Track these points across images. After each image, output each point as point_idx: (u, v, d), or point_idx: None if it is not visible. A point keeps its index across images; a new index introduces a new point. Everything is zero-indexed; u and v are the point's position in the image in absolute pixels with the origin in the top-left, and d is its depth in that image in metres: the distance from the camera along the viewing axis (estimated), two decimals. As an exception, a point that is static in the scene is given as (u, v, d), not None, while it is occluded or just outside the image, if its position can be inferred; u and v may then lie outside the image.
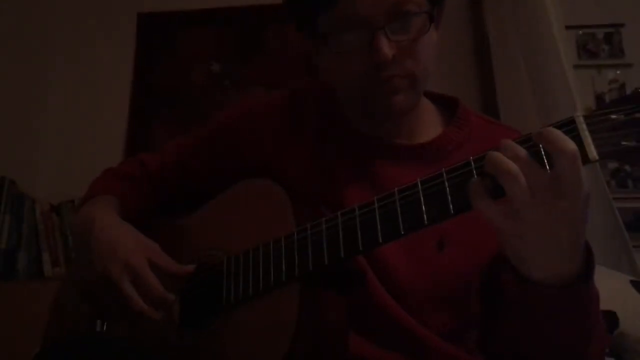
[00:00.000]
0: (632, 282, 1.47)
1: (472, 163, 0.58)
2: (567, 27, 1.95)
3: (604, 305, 0.69)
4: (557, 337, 0.64)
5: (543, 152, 0.53)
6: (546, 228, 0.54)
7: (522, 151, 0.54)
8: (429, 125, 0.86)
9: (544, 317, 0.63)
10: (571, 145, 0.51)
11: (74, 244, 1.65)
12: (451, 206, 0.59)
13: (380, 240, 0.65)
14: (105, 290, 0.80)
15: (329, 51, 0.76)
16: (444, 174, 0.60)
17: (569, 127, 0.53)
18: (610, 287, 1.42)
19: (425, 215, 0.61)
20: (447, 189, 0.60)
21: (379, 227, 0.65)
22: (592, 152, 0.52)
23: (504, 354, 0.74)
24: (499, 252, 0.74)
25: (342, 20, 0.72)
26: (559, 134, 0.52)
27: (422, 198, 0.62)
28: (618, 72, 2.20)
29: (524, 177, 0.53)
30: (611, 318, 1.33)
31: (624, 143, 0.51)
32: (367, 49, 0.72)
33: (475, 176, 0.57)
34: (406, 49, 0.73)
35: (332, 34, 0.74)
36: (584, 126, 0.52)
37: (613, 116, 0.52)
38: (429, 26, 0.74)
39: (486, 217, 0.56)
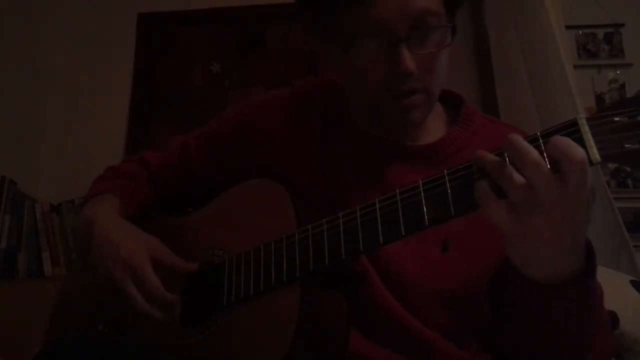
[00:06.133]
0: (632, 282, 1.47)
1: (474, 164, 0.58)
2: (567, 27, 1.94)
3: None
4: (563, 334, 0.65)
5: (546, 156, 0.52)
6: (548, 230, 0.54)
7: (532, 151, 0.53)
8: (434, 125, 0.86)
9: (548, 315, 0.63)
10: (581, 153, 0.51)
11: (75, 244, 1.64)
12: (452, 207, 0.59)
13: (382, 241, 0.65)
14: (108, 291, 0.80)
15: (345, 55, 0.74)
16: (446, 175, 0.60)
17: (571, 129, 0.53)
18: (610, 287, 1.42)
19: (426, 217, 0.61)
20: (449, 190, 0.59)
21: (380, 228, 0.65)
22: (595, 155, 0.52)
23: (515, 353, 0.74)
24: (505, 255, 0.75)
25: (364, 26, 0.70)
26: (567, 141, 0.51)
27: (423, 199, 0.62)
28: (618, 72, 2.20)
29: (532, 181, 0.52)
30: (611, 318, 1.33)
31: (627, 145, 0.51)
32: (386, 59, 0.71)
33: (476, 177, 0.57)
34: (424, 62, 0.72)
35: (353, 39, 0.72)
36: (587, 128, 0.52)
37: (616, 118, 0.52)
38: (450, 40, 0.73)
39: (491, 217, 0.55)
